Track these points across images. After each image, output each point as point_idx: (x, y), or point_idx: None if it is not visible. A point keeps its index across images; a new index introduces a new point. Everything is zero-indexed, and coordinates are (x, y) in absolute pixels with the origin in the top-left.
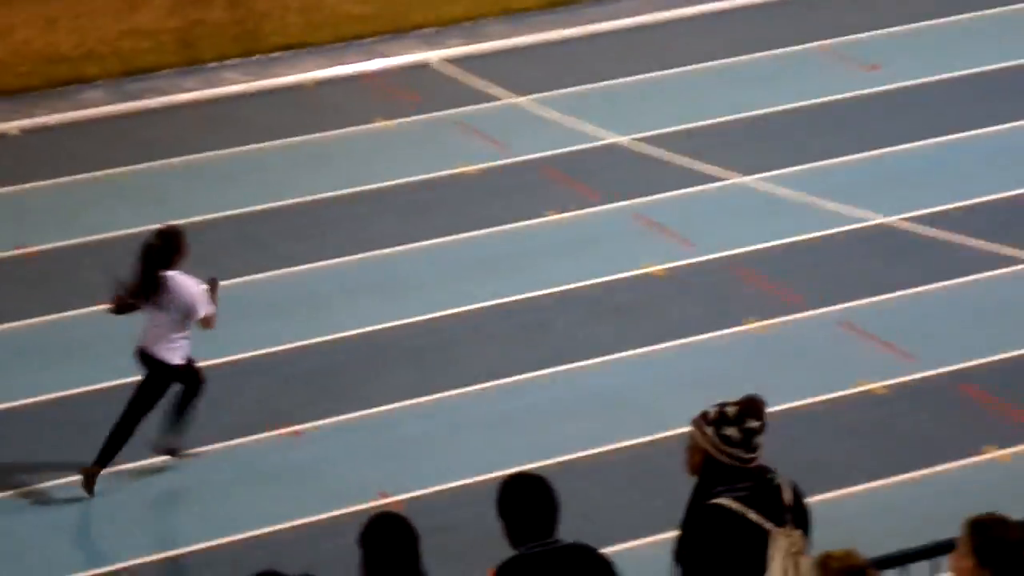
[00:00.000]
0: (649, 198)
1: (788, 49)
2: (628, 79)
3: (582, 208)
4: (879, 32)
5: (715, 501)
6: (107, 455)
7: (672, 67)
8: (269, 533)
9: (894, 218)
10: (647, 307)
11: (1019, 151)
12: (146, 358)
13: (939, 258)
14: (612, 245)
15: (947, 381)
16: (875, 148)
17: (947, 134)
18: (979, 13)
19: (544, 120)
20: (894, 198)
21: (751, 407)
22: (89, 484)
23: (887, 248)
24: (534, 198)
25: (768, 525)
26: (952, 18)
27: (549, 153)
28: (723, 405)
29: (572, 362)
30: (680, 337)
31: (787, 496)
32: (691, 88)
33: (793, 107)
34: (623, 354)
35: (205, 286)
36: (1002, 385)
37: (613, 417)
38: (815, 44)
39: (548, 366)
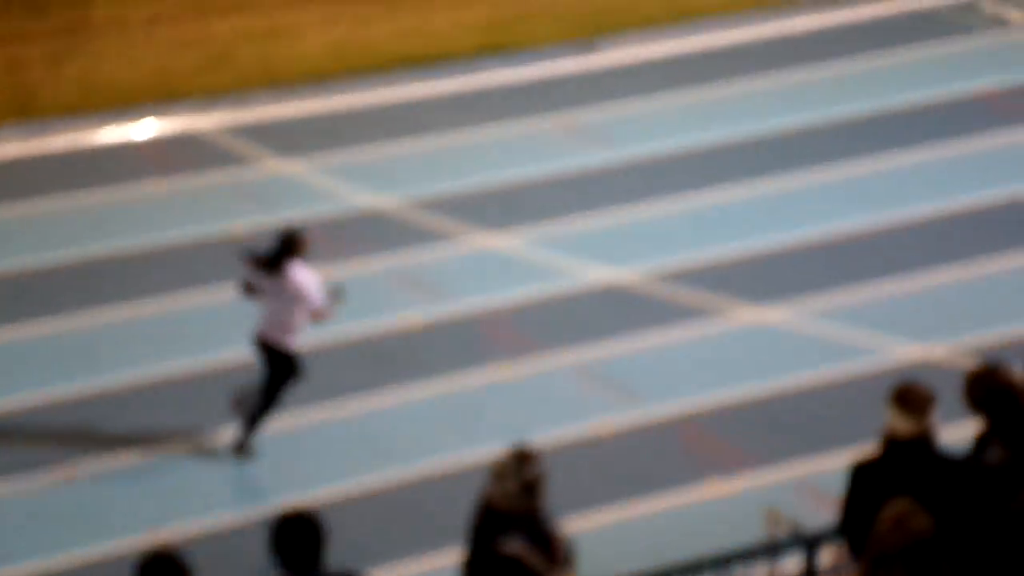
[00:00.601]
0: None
1: (531, 121)
2: (392, 148)
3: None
4: (613, 102)
5: (501, 549)
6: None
7: (428, 137)
8: None
9: (624, 273)
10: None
11: (733, 215)
12: (264, 345)
13: (664, 309)
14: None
15: (672, 423)
16: (608, 208)
17: (673, 198)
18: (705, 86)
19: (309, 187)
20: (626, 254)
21: (524, 457)
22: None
23: (617, 300)
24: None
25: (547, 568)
26: (680, 91)
27: (314, 218)
28: (503, 456)
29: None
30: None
31: (559, 538)
32: (449, 157)
33: (537, 177)
34: (382, 396)
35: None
36: (722, 428)
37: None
38: (555, 117)
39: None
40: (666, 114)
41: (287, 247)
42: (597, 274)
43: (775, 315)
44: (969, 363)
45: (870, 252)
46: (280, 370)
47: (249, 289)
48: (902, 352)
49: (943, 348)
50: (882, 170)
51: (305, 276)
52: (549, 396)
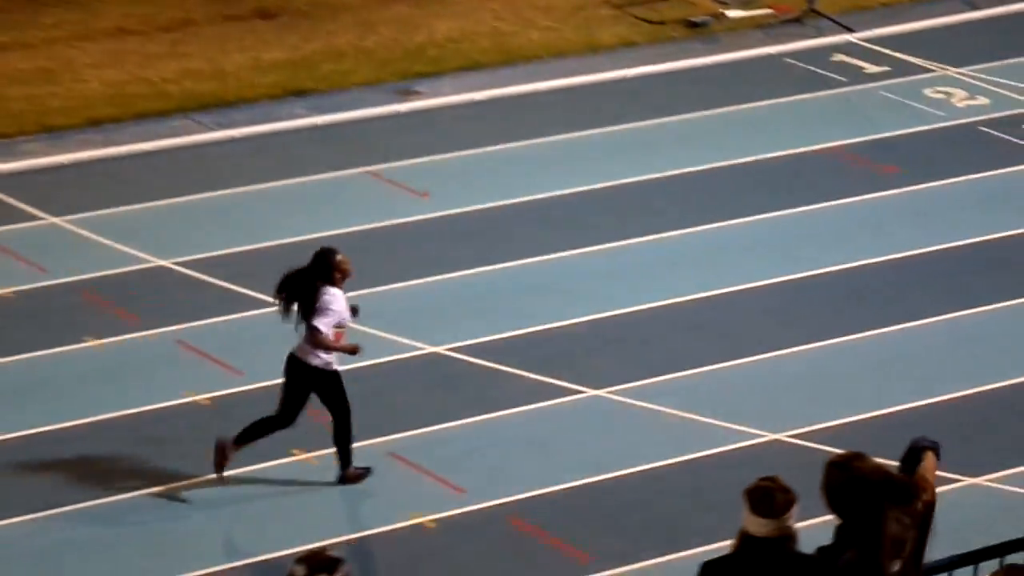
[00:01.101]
0: (193, 324)
1: (339, 173)
2: (174, 200)
3: (123, 334)
4: (430, 158)
5: None
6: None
7: (220, 189)
8: None
9: (442, 348)
10: (190, 437)
11: (563, 282)
12: (298, 364)
13: (488, 388)
14: (154, 372)
15: (497, 514)
16: (426, 276)
17: (496, 263)
18: (533, 141)
19: (85, 242)
20: (443, 328)
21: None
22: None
23: (435, 377)
24: (73, 323)
25: None
26: (500, 147)
27: (89, 276)
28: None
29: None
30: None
31: None
32: (238, 210)
33: (342, 232)
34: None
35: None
36: (551, 519)
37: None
38: (365, 169)
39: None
40: (487, 164)
41: (319, 273)
42: (411, 345)
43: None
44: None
45: (707, 325)
46: (335, 391)
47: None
48: (748, 437)
49: (791, 433)
50: (720, 230)
51: (328, 297)
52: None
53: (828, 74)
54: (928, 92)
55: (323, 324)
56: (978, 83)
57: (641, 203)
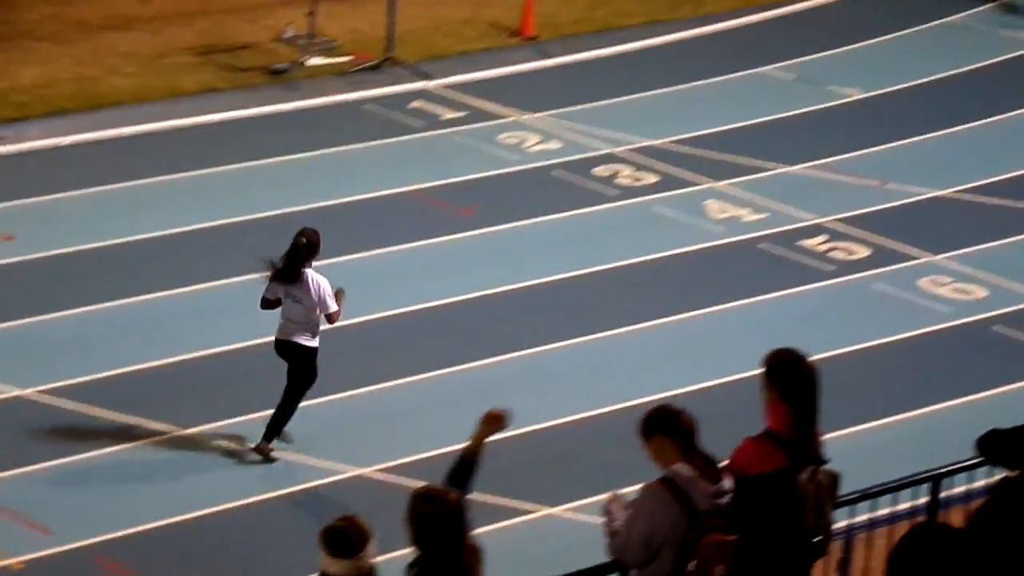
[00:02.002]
0: None
1: None
2: None
3: None
4: (16, 202)
5: None
6: (272, 432)
7: None
8: None
9: (31, 391)
10: None
11: (148, 323)
12: (286, 346)
13: (77, 430)
14: None
15: (84, 555)
16: (16, 318)
17: (85, 305)
18: (120, 185)
19: None
20: (34, 370)
21: None
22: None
23: (21, 419)
24: None
25: None
26: (87, 191)
27: None
28: None
29: None
30: None
31: None
32: None
33: None
34: None
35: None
36: (137, 557)
37: None
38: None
39: None
40: (73, 208)
41: (307, 252)
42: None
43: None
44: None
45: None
46: (307, 372)
47: (271, 304)
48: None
49: (376, 468)
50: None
51: (322, 281)
52: None
53: (406, 120)
54: (502, 137)
55: (335, 304)
56: (550, 128)
57: (234, 243)
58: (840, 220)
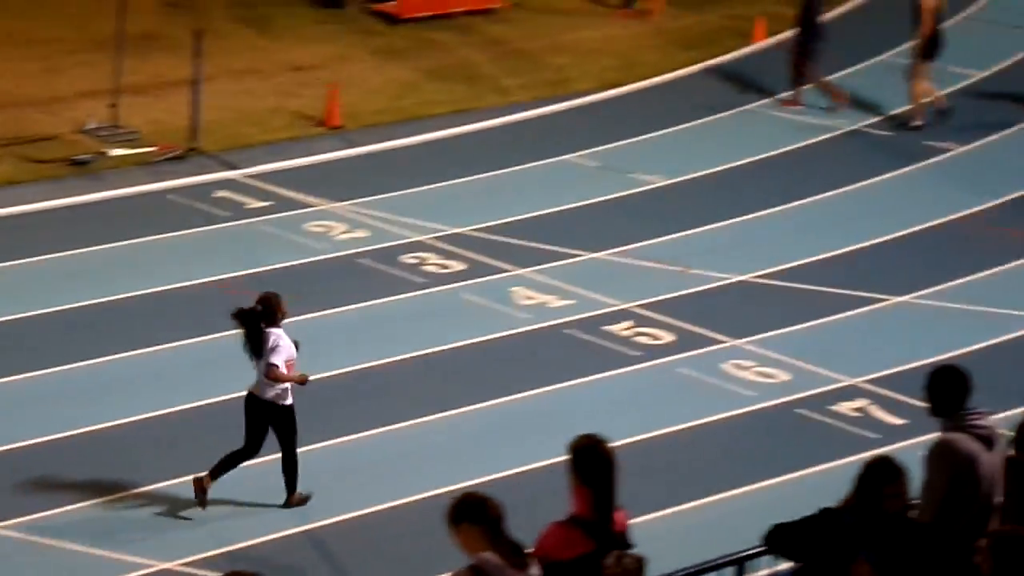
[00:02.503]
0: None
1: None
2: None
3: None
4: None
5: None
6: (290, 477)
7: None
8: None
9: None
10: None
11: None
12: (255, 401)
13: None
14: None
15: None
16: None
17: None
18: (40, 259)
19: None
20: None
21: None
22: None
23: None
24: None
25: None
26: None
27: None
28: None
29: None
30: None
31: None
32: None
33: None
34: None
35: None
36: None
37: None
38: None
39: None
40: None
41: (263, 314)
42: None
43: None
44: None
45: (117, 455)
46: (287, 424)
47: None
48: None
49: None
50: (108, 363)
51: (274, 340)
52: None
53: (212, 210)
54: (309, 226)
55: (278, 360)
56: (357, 216)
57: (15, 339)
58: (644, 305)
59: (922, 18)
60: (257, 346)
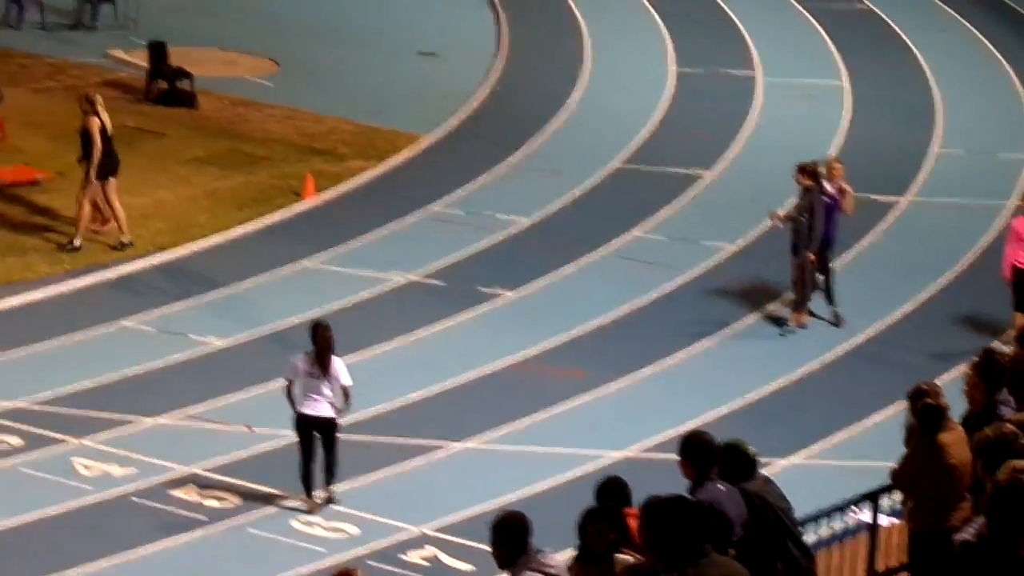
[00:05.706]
0: None
1: None
2: None
3: None
4: None
5: None
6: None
7: None
8: None
9: None
10: None
11: None
12: (315, 420)
13: None
14: None
15: None
16: None
17: None
18: None
19: None
20: None
21: None
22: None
23: None
24: None
25: None
26: None
27: None
28: None
29: None
30: None
31: None
32: None
33: None
34: None
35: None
36: None
37: None
38: None
39: None
40: None
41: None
42: None
43: None
44: None
45: None
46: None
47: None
48: None
49: None
50: None
51: (341, 367)
52: None
53: None
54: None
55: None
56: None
57: None
58: (210, 468)
59: (92, 139)
60: (326, 369)
